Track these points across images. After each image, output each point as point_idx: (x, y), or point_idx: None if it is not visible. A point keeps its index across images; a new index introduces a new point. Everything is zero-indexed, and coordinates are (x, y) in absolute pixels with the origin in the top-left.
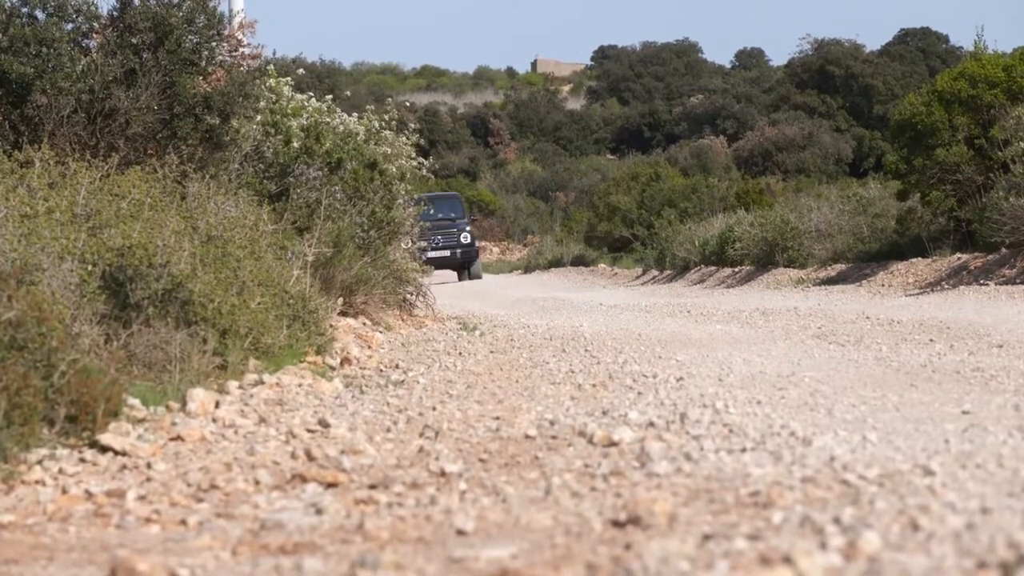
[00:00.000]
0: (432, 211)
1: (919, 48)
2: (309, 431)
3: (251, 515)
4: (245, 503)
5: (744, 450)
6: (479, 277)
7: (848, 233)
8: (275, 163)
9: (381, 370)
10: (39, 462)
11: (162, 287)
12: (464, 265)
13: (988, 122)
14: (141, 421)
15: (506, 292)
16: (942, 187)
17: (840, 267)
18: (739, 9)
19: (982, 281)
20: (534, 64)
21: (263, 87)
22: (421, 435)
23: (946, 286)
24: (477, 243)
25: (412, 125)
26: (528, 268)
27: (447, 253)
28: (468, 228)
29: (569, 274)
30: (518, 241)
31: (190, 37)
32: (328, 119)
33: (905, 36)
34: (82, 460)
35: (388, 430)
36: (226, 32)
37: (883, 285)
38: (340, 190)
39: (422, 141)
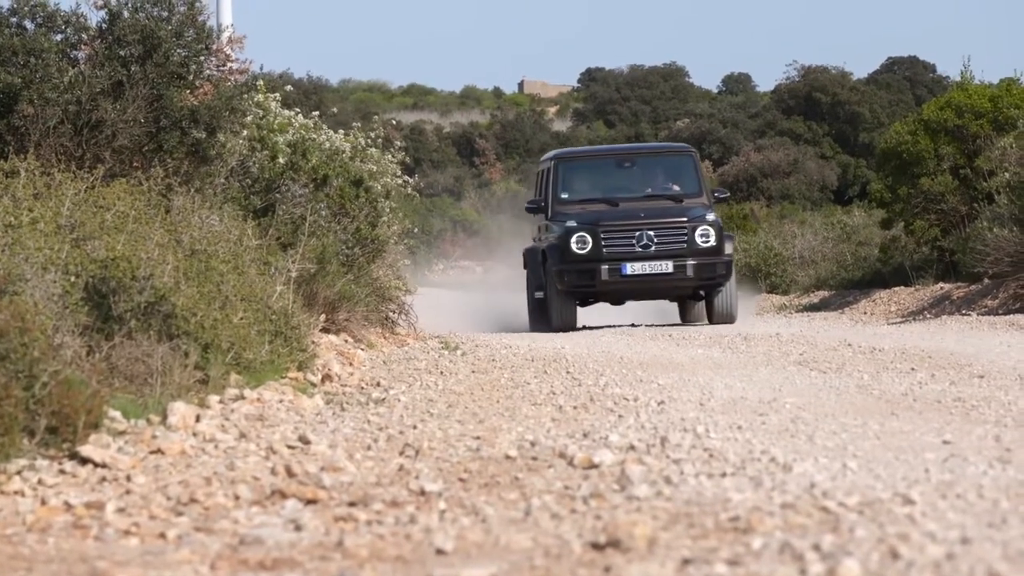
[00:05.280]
0: (626, 180)
1: (906, 77)
2: (289, 447)
3: (230, 530)
4: (225, 518)
5: (724, 475)
6: (732, 318)
7: (831, 260)
8: (261, 178)
9: (362, 388)
10: (19, 472)
11: (145, 300)
12: (700, 292)
13: (974, 152)
14: (122, 433)
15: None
16: (926, 216)
17: (823, 294)
18: (727, 34)
19: (964, 311)
20: (521, 85)
21: (251, 102)
22: (401, 453)
23: (928, 315)
24: (730, 246)
25: (398, 143)
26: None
27: (666, 267)
28: (712, 216)
29: None
30: (501, 261)
31: (178, 51)
32: (314, 135)
33: (892, 64)
34: (62, 471)
35: (368, 448)
36: (214, 46)
37: (865, 313)
38: (325, 207)
39: (407, 159)
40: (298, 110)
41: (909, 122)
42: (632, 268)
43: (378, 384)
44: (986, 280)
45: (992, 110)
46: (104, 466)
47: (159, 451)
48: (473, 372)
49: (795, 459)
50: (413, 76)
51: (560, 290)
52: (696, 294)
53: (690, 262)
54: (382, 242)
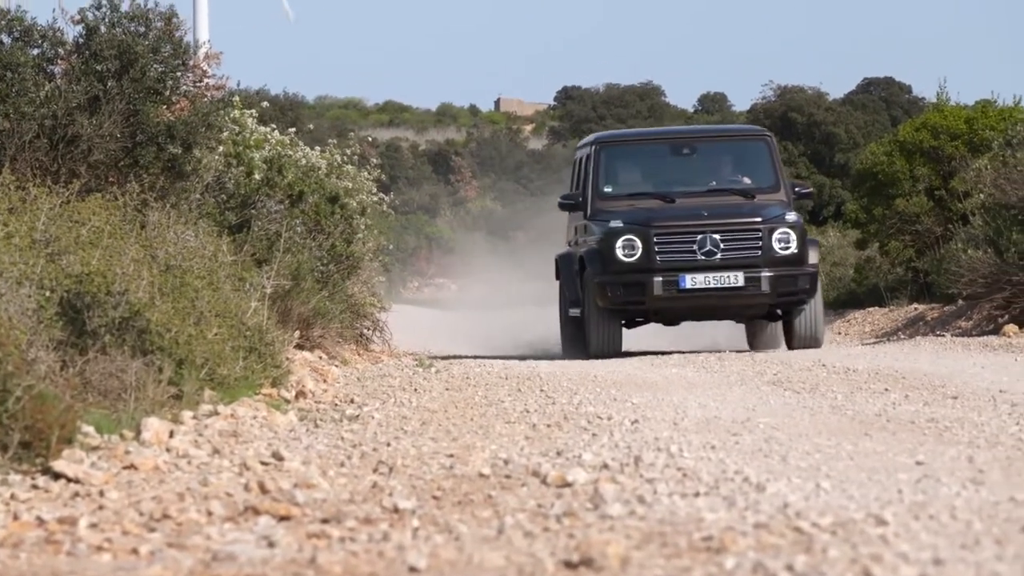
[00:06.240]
0: (685, 170)
1: (882, 97)
2: (263, 463)
3: (203, 546)
4: (197, 534)
5: (698, 495)
6: (817, 342)
7: None
8: (236, 194)
9: (336, 404)
10: None
11: (119, 315)
12: (777, 311)
13: (949, 173)
14: (95, 449)
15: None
16: (901, 237)
17: None
18: (703, 53)
19: (938, 332)
20: (497, 103)
21: (227, 118)
22: (375, 471)
23: (902, 336)
24: (815, 253)
25: (374, 160)
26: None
27: (736, 280)
28: (793, 216)
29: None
30: (476, 279)
31: (155, 66)
32: (290, 152)
33: (868, 85)
34: (34, 486)
35: (342, 465)
36: (191, 62)
37: (840, 333)
38: (301, 223)
39: (383, 176)
40: (274, 126)
41: (885, 143)
42: (692, 281)
43: (352, 401)
44: (960, 301)
45: (968, 131)
46: (77, 481)
47: (132, 467)
48: (447, 390)
49: (768, 479)
50: (389, 93)
51: (601, 307)
52: (772, 313)
53: (765, 274)
54: (357, 259)
